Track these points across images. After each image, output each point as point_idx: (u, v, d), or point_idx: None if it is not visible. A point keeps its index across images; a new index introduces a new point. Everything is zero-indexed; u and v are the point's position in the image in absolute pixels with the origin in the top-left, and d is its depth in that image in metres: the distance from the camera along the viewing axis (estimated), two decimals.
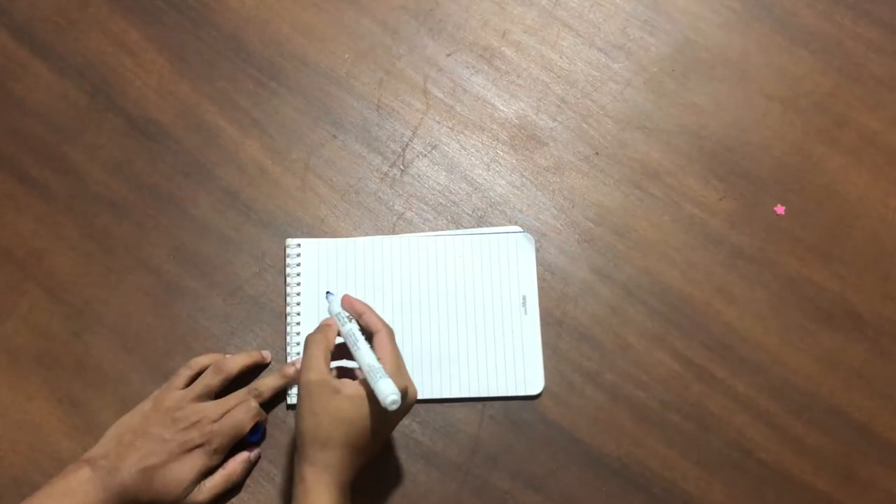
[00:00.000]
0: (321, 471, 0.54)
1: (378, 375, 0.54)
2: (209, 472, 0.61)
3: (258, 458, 0.64)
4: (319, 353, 0.57)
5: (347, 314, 0.60)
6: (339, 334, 0.60)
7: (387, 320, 0.63)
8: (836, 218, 0.71)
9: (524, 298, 0.68)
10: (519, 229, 0.70)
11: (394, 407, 0.53)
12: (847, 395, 0.66)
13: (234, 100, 0.74)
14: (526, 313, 0.68)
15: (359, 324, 0.59)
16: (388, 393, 0.53)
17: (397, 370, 0.56)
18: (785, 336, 0.68)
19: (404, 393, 0.55)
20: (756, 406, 0.66)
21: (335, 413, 0.55)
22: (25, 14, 0.76)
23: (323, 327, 0.60)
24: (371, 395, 0.55)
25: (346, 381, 0.56)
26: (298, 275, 0.69)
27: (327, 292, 0.66)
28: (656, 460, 0.65)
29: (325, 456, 0.55)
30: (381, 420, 0.56)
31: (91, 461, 0.59)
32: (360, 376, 0.57)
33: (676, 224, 0.71)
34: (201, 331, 0.68)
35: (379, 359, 0.56)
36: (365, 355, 0.56)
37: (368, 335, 0.59)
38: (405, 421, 0.65)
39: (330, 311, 0.62)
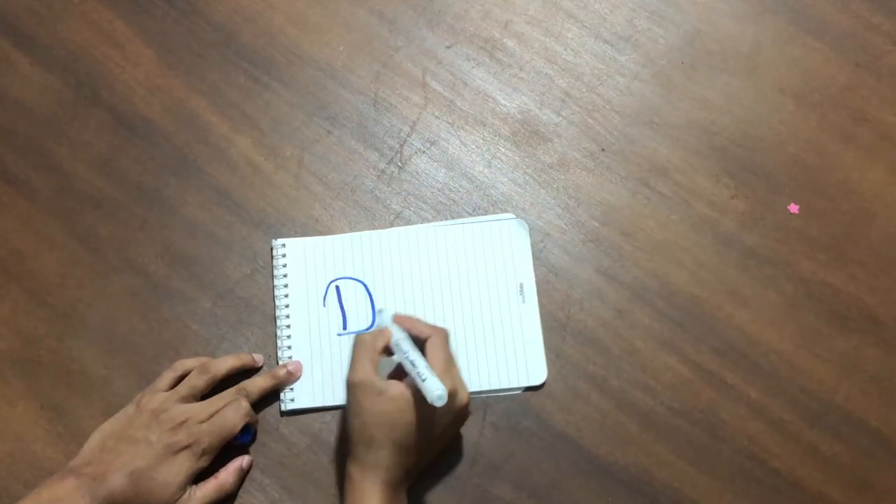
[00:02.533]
0: (368, 470, 0.57)
1: (424, 375, 0.56)
2: (198, 474, 0.61)
3: (250, 466, 0.64)
4: (366, 354, 0.59)
5: (398, 327, 0.61)
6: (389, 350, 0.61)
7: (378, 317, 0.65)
8: (852, 217, 0.70)
9: (521, 286, 0.68)
10: (511, 216, 0.70)
11: (440, 403, 0.54)
12: (863, 402, 0.66)
13: (224, 94, 0.74)
14: (524, 301, 0.68)
15: (411, 334, 0.61)
16: (434, 389, 0.55)
17: (446, 371, 0.58)
18: (799, 340, 0.67)
19: (453, 393, 0.56)
20: (769, 413, 0.66)
21: (379, 413, 0.57)
22: (6, 4, 0.76)
23: (374, 331, 0.61)
24: (416, 396, 0.57)
25: (392, 381, 0.58)
26: (285, 276, 0.69)
27: (379, 309, 0.67)
28: (664, 469, 0.64)
29: (371, 456, 0.57)
30: (427, 421, 0.57)
31: (75, 470, 0.59)
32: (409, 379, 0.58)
33: (686, 223, 0.70)
34: (190, 334, 0.68)
35: (430, 362, 0.58)
36: (413, 358, 0.58)
37: (421, 343, 0.60)
38: None
39: (379, 324, 0.63)
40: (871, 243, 0.70)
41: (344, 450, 0.63)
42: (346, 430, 0.58)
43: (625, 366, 0.67)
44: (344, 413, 0.59)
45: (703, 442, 0.65)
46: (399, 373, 0.60)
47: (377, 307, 0.68)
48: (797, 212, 0.71)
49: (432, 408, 0.55)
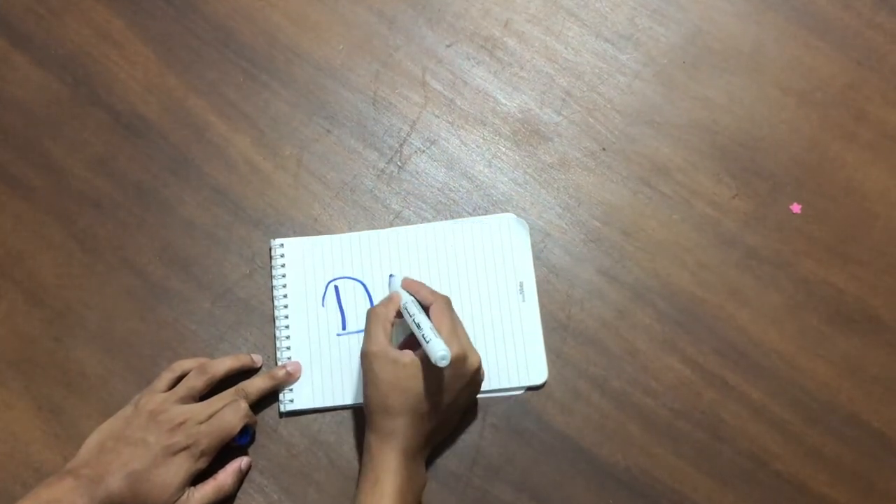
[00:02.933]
0: (385, 438, 0.59)
1: (429, 336, 0.58)
2: (196, 475, 0.61)
3: (249, 467, 0.64)
4: (378, 325, 0.61)
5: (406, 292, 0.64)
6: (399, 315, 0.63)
7: None
8: (854, 217, 0.70)
9: (521, 285, 0.68)
10: (511, 214, 0.70)
11: (443, 363, 0.56)
12: (866, 403, 0.66)
13: (223, 93, 0.74)
14: (524, 300, 0.68)
15: (417, 299, 0.63)
16: (437, 350, 0.56)
17: (452, 334, 0.60)
18: (801, 341, 0.67)
19: (462, 356, 0.59)
20: (771, 414, 0.65)
21: (394, 381, 0.59)
22: (4, 3, 0.76)
23: (384, 301, 0.64)
24: (426, 362, 0.58)
25: (406, 350, 0.60)
26: (284, 276, 0.69)
27: (390, 275, 0.68)
28: (666, 471, 0.64)
29: (388, 423, 0.59)
30: (440, 386, 0.59)
31: (73, 471, 0.59)
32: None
33: (687, 223, 0.70)
34: (188, 335, 0.67)
35: (436, 327, 0.59)
36: (419, 321, 0.60)
37: (426, 309, 0.62)
38: None
39: (390, 290, 0.67)
40: (873, 243, 0.70)
41: (362, 428, 0.65)
42: (363, 402, 0.61)
43: (626, 366, 0.67)
44: (362, 384, 0.61)
45: (705, 443, 0.65)
46: (411, 342, 0.62)
47: (391, 274, 0.69)
48: (799, 211, 0.71)
49: (443, 372, 0.58)
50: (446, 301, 0.63)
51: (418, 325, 0.59)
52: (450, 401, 0.60)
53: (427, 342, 0.57)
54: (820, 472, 0.64)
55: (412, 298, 0.63)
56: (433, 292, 0.63)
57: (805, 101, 0.74)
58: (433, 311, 0.61)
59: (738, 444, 0.65)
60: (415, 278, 0.66)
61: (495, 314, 0.68)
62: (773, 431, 0.65)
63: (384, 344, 0.60)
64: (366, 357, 0.60)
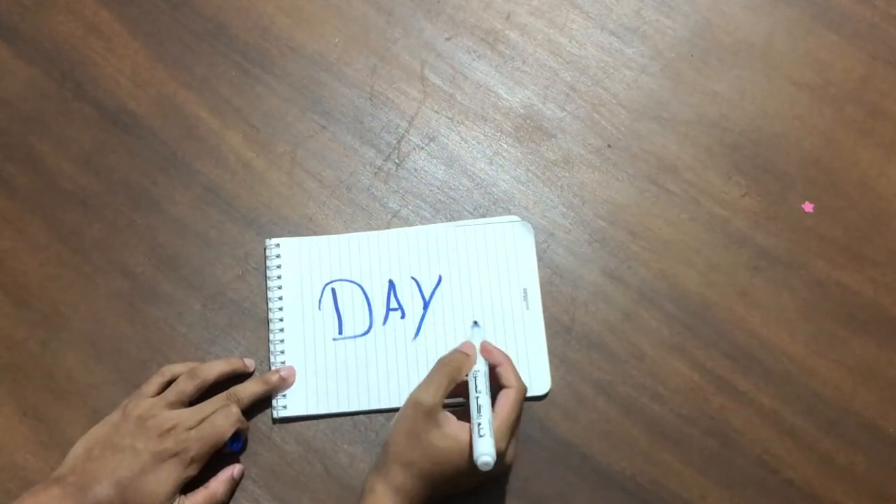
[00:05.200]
0: (394, 492, 0.57)
1: (482, 430, 0.56)
2: (187, 483, 0.60)
3: (242, 475, 0.64)
4: (443, 379, 0.59)
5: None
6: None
7: (376, 322, 0.66)
8: (869, 216, 0.70)
9: (525, 292, 0.68)
10: (516, 218, 0.70)
11: (484, 468, 0.55)
12: (881, 409, 0.66)
13: (214, 88, 0.74)
14: (528, 308, 0.68)
15: (492, 373, 0.61)
16: (483, 452, 0.55)
17: (505, 431, 0.58)
18: (813, 344, 0.67)
19: (501, 454, 0.57)
20: (782, 420, 0.65)
21: (427, 445, 0.57)
22: None
23: (463, 356, 0.61)
24: (469, 444, 0.57)
25: (453, 419, 0.59)
26: (279, 277, 0.69)
27: (474, 322, 0.67)
28: (674, 479, 0.64)
29: (402, 479, 0.57)
30: (469, 472, 0.57)
31: (59, 480, 0.59)
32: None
33: (695, 223, 0.70)
34: (179, 338, 0.67)
35: (495, 413, 0.58)
36: (482, 403, 0.58)
37: (497, 387, 0.60)
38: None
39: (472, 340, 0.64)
40: (888, 243, 0.70)
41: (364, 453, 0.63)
42: (386, 440, 0.59)
43: (632, 371, 0.67)
44: (392, 422, 0.60)
45: (714, 450, 0.65)
46: (457, 394, 0.61)
47: (475, 319, 0.67)
48: (812, 211, 0.71)
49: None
50: (522, 392, 0.60)
51: (479, 409, 0.57)
52: (469, 484, 0.60)
53: (479, 437, 0.56)
54: (833, 481, 0.64)
55: (486, 370, 0.61)
56: (517, 377, 0.61)
57: (818, 97, 0.73)
58: (504, 395, 0.59)
59: (749, 452, 0.65)
60: (499, 350, 0.63)
61: (497, 322, 0.68)
62: (785, 438, 0.65)
63: (438, 402, 0.58)
64: (415, 405, 0.58)
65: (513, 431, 0.59)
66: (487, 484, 0.62)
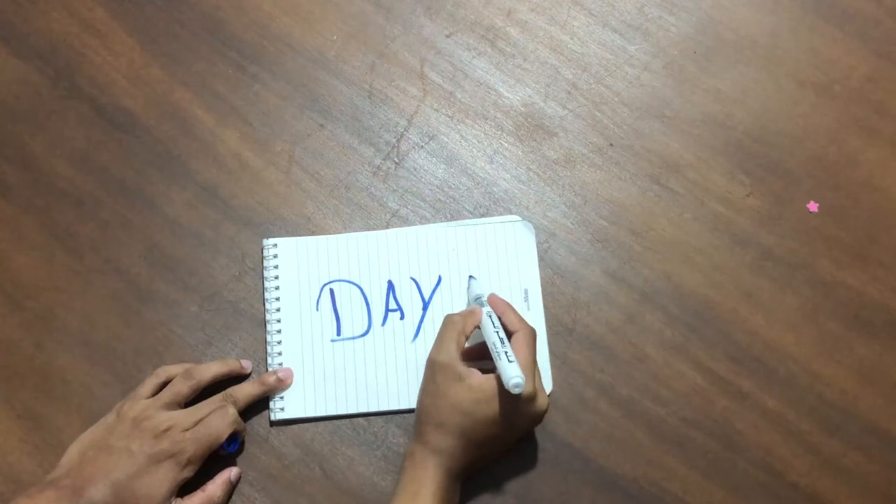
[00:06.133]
0: (431, 452, 0.59)
1: (509, 357, 0.57)
2: (184, 486, 0.60)
3: (239, 478, 0.64)
4: (452, 336, 0.61)
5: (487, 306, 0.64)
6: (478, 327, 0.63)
7: (375, 323, 0.66)
8: (874, 216, 0.70)
9: (526, 293, 0.68)
10: (517, 218, 0.70)
11: (517, 391, 0.56)
12: (887, 411, 0.66)
13: (211, 86, 0.74)
14: (529, 309, 0.68)
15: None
16: (512, 375, 0.56)
17: (528, 370, 0.59)
18: (818, 346, 0.67)
19: (532, 396, 0.58)
20: (786, 423, 0.65)
21: (454, 400, 0.58)
22: None
23: (465, 312, 0.63)
24: (496, 390, 0.58)
25: (475, 371, 0.60)
26: (276, 278, 0.68)
27: (470, 276, 0.68)
28: (676, 483, 0.64)
29: (438, 439, 0.59)
30: (502, 418, 0.58)
31: (54, 483, 0.59)
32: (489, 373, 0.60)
33: (699, 223, 0.70)
34: (175, 340, 0.67)
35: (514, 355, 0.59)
36: (495, 336, 0.59)
37: (508, 334, 0.61)
38: (396, 439, 0.65)
39: (469, 294, 0.66)
40: (894, 243, 0.70)
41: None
42: (417, 408, 0.61)
43: (634, 373, 0.67)
44: (419, 390, 0.62)
45: (718, 454, 0.65)
46: (477, 352, 0.62)
47: (471, 275, 0.68)
48: (816, 210, 0.70)
49: (509, 405, 0.57)
50: (532, 333, 0.62)
51: (501, 341, 0.59)
52: (507, 435, 0.60)
53: (508, 362, 0.57)
54: (838, 484, 0.64)
55: (495, 316, 0.62)
56: (521, 320, 0.62)
57: (823, 95, 0.73)
58: (516, 339, 0.61)
59: (753, 455, 0.65)
60: (501, 297, 0.65)
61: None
62: (790, 441, 0.65)
63: (454, 357, 0.60)
64: (432, 366, 0.60)
65: (533, 371, 0.60)
66: (526, 435, 0.64)
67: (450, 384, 0.59)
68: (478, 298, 0.65)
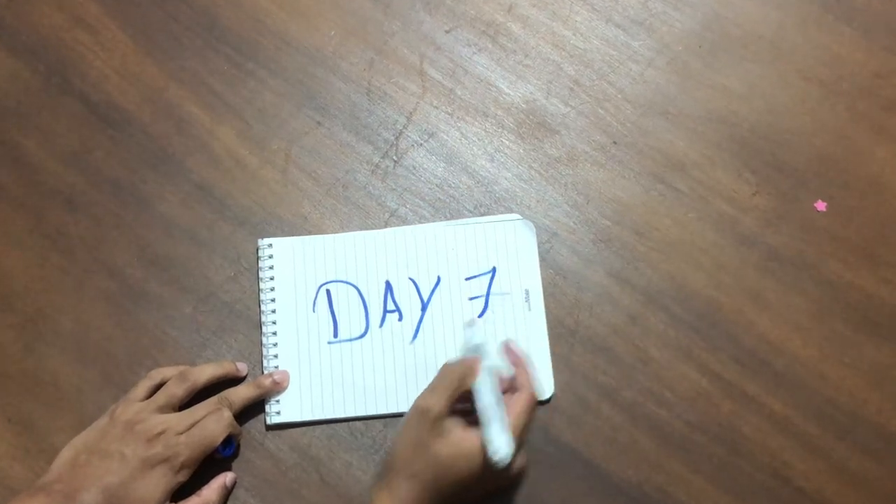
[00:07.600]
0: (399, 503, 0.56)
1: (495, 423, 0.56)
2: (178, 490, 0.60)
3: (234, 483, 0.64)
4: (448, 387, 0.58)
5: (496, 352, 0.62)
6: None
7: (373, 324, 0.66)
8: (883, 215, 0.70)
9: (527, 293, 0.68)
10: (518, 217, 0.70)
11: (500, 465, 0.54)
12: None
13: (206, 82, 0.74)
14: (530, 310, 0.68)
15: (508, 375, 0.61)
16: (500, 446, 0.54)
17: (517, 436, 0.57)
18: (826, 348, 0.67)
19: (514, 458, 0.56)
20: (793, 427, 0.65)
21: (434, 454, 0.56)
22: None
23: (465, 366, 0.60)
24: (478, 451, 0.56)
25: (460, 426, 0.58)
26: (272, 279, 0.68)
27: (466, 323, 0.67)
28: (681, 488, 0.64)
29: (407, 490, 0.56)
30: (477, 480, 0.57)
31: (45, 488, 0.59)
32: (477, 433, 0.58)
33: (704, 222, 0.70)
34: (168, 342, 0.67)
35: (510, 418, 0.57)
36: (490, 397, 0.57)
37: (506, 388, 0.60)
38: None
39: (465, 342, 0.62)
40: None
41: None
42: (390, 451, 0.59)
43: (638, 376, 0.66)
44: (395, 432, 0.60)
45: (723, 458, 0.65)
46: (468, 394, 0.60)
47: (469, 319, 0.67)
48: (824, 210, 0.70)
49: (486, 469, 0.56)
50: (535, 399, 0.60)
51: (496, 405, 0.57)
52: (478, 492, 0.59)
53: (498, 432, 0.55)
54: (846, 489, 0.64)
55: (499, 368, 0.60)
56: (530, 382, 0.60)
57: (830, 91, 0.73)
58: (517, 399, 0.59)
59: (759, 459, 0.65)
60: (518, 347, 0.63)
61: (498, 324, 0.68)
62: (796, 445, 0.65)
63: (441, 407, 0.57)
64: (418, 413, 0.58)
65: (523, 439, 0.58)
66: (494, 496, 0.62)
67: (433, 438, 0.57)
68: (477, 347, 0.61)
